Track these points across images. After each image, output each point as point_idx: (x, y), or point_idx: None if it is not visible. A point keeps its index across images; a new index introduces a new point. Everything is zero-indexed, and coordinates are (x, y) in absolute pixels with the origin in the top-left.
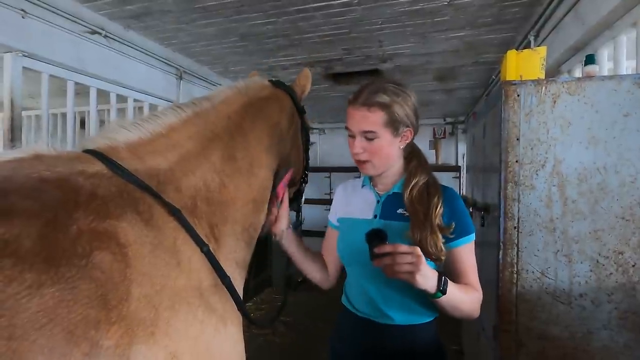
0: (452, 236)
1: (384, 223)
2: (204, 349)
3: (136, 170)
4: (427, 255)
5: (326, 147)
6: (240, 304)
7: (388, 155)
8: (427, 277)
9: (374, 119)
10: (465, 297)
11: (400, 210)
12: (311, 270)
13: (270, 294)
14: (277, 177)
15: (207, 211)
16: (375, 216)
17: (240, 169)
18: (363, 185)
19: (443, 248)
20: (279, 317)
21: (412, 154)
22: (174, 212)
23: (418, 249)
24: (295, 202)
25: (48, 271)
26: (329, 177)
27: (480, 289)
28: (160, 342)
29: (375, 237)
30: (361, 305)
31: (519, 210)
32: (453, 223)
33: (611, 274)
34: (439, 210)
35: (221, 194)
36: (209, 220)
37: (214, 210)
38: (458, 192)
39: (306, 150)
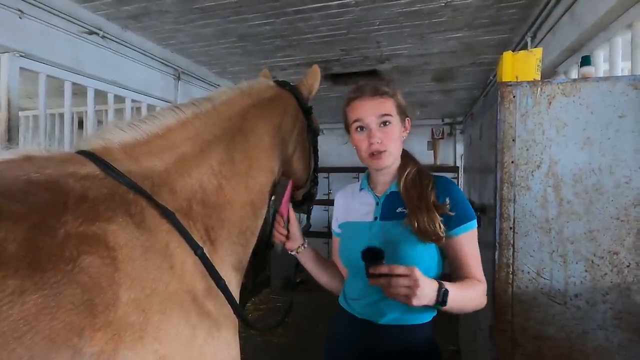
0: (452, 213)
1: (385, 224)
2: (197, 354)
3: (130, 172)
4: (427, 236)
5: (325, 147)
6: (236, 308)
7: (399, 143)
8: (423, 298)
9: (388, 105)
10: (467, 296)
11: (399, 209)
12: (328, 283)
13: (269, 294)
14: (276, 190)
15: (203, 214)
16: (375, 218)
17: (239, 172)
18: (361, 189)
19: (442, 225)
20: (283, 322)
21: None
22: (167, 215)
23: (416, 271)
24: (305, 205)
25: (32, 276)
26: (328, 177)
27: (484, 279)
28: (148, 347)
29: (372, 255)
30: (360, 306)
31: (514, 211)
32: (448, 199)
33: (606, 274)
34: (431, 190)
35: (218, 197)
36: (204, 222)
37: (210, 212)
38: None
39: (315, 151)
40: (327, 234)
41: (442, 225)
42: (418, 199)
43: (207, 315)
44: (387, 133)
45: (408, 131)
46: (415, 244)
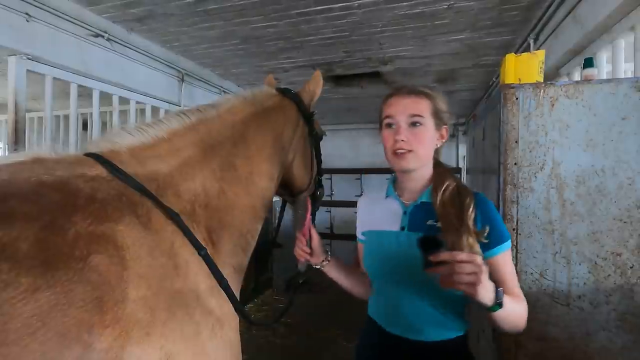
0: (485, 241)
1: (413, 235)
2: (200, 350)
3: (136, 174)
4: None
5: (328, 149)
6: (238, 306)
7: (428, 148)
8: (487, 289)
9: (423, 105)
10: (517, 308)
11: (430, 222)
12: (353, 288)
13: (271, 295)
14: (298, 213)
15: (205, 216)
16: (402, 228)
17: (240, 177)
18: (387, 196)
19: (479, 251)
20: (280, 319)
21: (435, 161)
22: (172, 216)
23: (479, 258)
24: (311, 207)
25: (44, 275)
26: (330, 178)
27: (524, 296)
28: (155, 343)
29: (431, 243)
30: (390, 320)
31: (517, 212)
32: (487, 227)
33: (609, 275)
34: (472, 212)
35: (220, 200)
36: (207, 224)
37: (212, 215)
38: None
39: (317, 155)
40: (329, 235)
41: (480, 252)
42: (457, 218)
43: (210, 314)
44: (416, 134)
45: (444, 139)
46: None
